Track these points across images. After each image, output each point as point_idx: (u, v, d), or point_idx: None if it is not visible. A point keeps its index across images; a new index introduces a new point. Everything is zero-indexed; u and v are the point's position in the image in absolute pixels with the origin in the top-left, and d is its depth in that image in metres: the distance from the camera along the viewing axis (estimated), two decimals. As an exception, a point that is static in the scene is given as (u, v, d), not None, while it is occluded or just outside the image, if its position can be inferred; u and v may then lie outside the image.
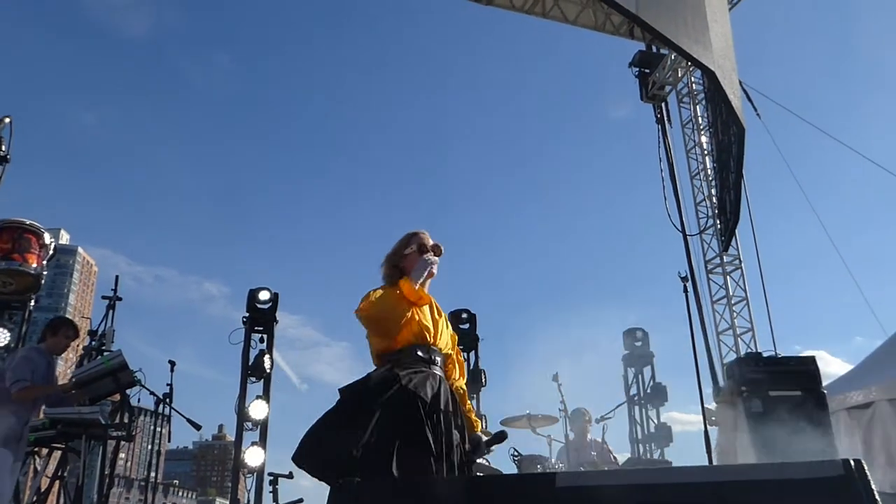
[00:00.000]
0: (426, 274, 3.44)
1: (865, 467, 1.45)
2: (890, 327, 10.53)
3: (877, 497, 1.39)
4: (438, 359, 3.37)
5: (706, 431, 7.26)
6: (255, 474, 8.57)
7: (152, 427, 8.16)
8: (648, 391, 11.77)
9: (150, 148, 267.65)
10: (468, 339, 10.67)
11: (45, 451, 6.50)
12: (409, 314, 3.33)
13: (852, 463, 1.44)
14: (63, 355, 6.48)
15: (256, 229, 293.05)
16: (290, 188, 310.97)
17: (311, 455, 3.08)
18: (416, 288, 3.40)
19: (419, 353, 3.31)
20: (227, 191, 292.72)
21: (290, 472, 8.37)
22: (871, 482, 1.43)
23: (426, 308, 3.48)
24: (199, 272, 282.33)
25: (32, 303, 7.24)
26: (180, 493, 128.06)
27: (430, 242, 3.57)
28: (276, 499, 8.06)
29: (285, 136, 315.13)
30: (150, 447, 8.52)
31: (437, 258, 3.53)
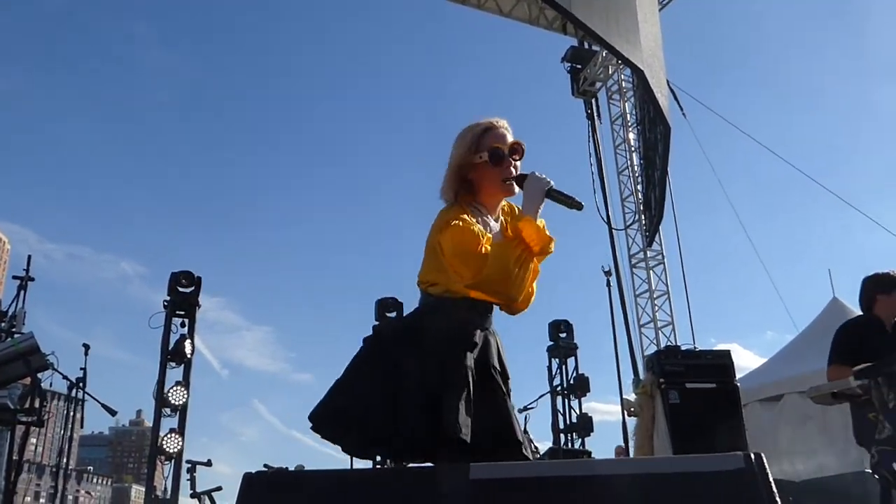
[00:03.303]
0: (542, 201, 2.29)
1: (765, 460, 1.51)
2: (800, 322, 11.07)
3: (774, 490, 1.45)
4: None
5: (624, 422, 7.48)
6: (172, 461, 8.39)
7: (66, 412, 7.91)
8: (571, 382, 11.97)
9: (63, 120, 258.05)
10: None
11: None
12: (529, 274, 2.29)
13: (752, 456, 1.50)
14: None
15: (173, 207, 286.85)
16: (208, 163, 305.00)
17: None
18: (540, 229, 2.27)
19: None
20: (141, 167, 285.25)
21: (209, 460, 8.25)
22: (770, 475, 1.49)
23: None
24: (114, 251, 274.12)
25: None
26: (95, 480, 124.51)
27: (510, 141, 2.41)
28: (193, 486, 7.93)
29: (206, 109, 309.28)
30: (62, 433, 8.24)
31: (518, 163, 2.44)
